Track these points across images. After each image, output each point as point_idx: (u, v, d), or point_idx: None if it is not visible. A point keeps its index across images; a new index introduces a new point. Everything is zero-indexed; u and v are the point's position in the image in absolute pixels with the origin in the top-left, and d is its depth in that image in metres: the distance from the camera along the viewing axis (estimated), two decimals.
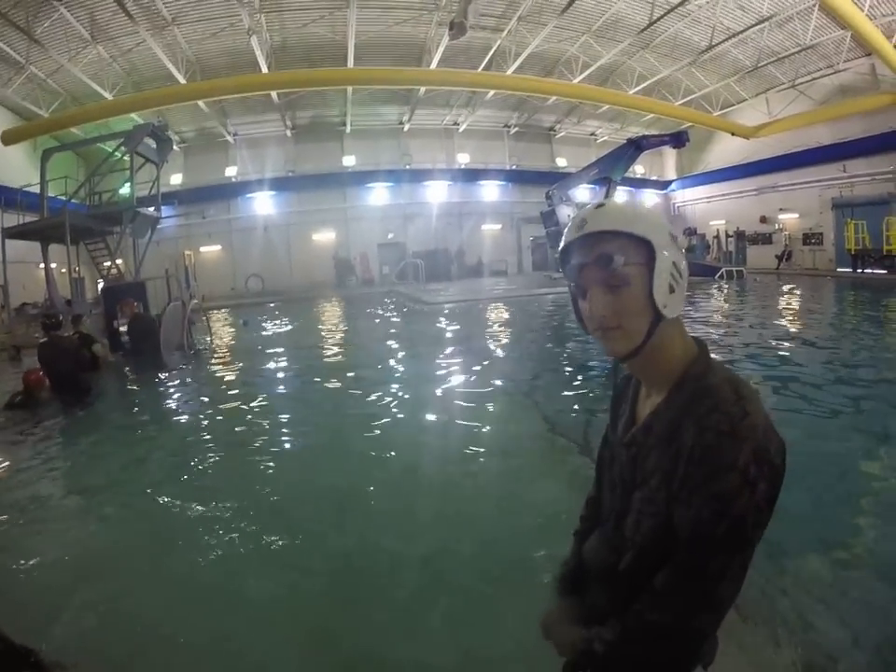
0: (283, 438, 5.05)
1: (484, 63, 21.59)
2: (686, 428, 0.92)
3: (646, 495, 0.99)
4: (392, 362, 8.25)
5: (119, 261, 14.11)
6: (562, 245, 1.03)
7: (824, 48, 21.04)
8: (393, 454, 4.37)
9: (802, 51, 20.89)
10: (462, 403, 5.69)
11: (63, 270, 14.59)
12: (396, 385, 6.66)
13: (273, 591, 2.69)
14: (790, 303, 14.90)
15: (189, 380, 8.06)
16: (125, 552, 3.11)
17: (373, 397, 6.08)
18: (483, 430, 4.85)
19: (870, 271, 20.60)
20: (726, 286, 19.20)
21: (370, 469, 4.05)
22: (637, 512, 1.01)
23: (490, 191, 31.38)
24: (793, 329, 10.26)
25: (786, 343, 8.45)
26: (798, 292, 16.97)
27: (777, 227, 26.94)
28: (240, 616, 2.51)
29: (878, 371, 6.40)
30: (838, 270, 22.65)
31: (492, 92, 24.66)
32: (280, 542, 3.09)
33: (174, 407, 6.72)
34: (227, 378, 7.98)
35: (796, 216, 26.00)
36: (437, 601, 2.56)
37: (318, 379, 7.23)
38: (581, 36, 20.66)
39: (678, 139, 23.68)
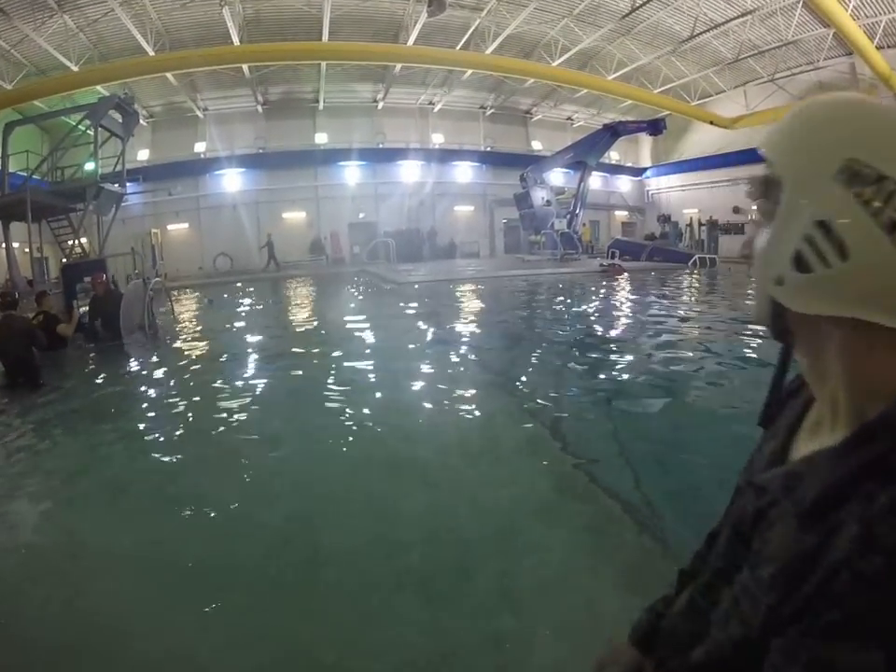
0: (243, 425, 4.72)
1: (462, 42, 21.33)
2: (846, 522, 0.53)
3: (749, 584, 0.63)
4: (357, 342, 8.02)
5: (83, 240, 13.55)
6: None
7: (805, 44, 21.25)
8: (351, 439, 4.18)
9: (783, 46, 21.10)
10: (429, 382, 5.64)
11: (26, 249, 13.95)
12: (358, 365, 6.49)
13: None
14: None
15: (144, 361, 7.78)
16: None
17: (332, 379, 5.87)
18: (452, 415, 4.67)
19: None
20: (698, 273, 19.34)
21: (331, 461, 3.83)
22: (734, 600, 0.66)
23: (464, 172, 31.07)
24: None
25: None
26: None
27: (749, 217, 26.97)
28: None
29: None
30: None
31: (469, 72, 24.28)
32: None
33: (130, 392, 6.30)
34: (184, 359, 7.69)
35: None
36: None
37: (281, 361, 6.96)
38: (562, 20, 20.46)
39: (655, 127, 23.79)
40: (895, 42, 19.86)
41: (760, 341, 7.06)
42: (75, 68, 18.80)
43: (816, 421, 0.69)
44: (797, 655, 0.52)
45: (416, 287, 15.28)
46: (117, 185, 13.56)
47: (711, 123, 25.82)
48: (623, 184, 35.28)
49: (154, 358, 7.86)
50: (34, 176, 13.70)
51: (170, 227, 26.72)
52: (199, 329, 10.62)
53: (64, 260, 13.07)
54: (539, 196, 23.84)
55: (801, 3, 17.63)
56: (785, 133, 0.64)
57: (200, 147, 27.28)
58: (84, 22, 17.69)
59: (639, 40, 22.02)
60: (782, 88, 24.00)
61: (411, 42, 20.15)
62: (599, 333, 8.43)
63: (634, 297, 13.23)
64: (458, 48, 21.37)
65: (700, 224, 29.37)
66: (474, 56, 21.34)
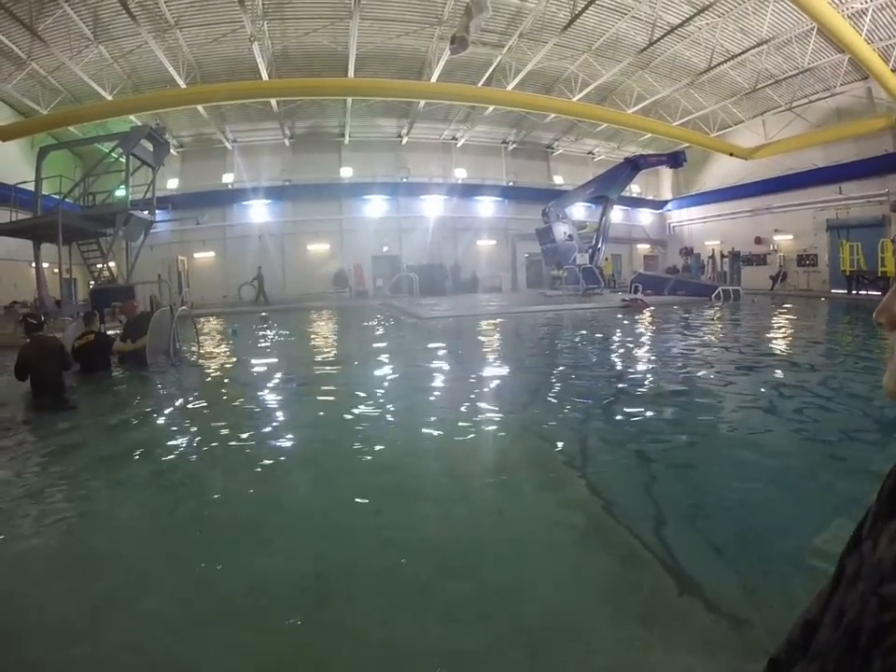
0: (264, 451, 4.62)
1: (484, 78, 21.77)
2: None
3: None
4: (380, 376, 7.89)
5: (111, 264, 13.93)
6: None
7: (821, 71, 21.39)
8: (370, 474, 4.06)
9: (799, 74, 21.24)
10: (450, 420, 5.35)
11: (56, 270, 14.41)
12: (382, 400, 6.35)
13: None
14: (793, 322, 14.82)
15: (169, 389, 7.77)
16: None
17: (356, 412, 5.70)
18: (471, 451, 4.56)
19: (864, 292, 20.74)
20: (721, 305, 19.11)
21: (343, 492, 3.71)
22: None
23: (486, 207, 31.39)
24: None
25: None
26: (797, 312, 16.98)
27: (771, 248, 27.14)
28: None
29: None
30: (832, 291, 22.85)
31: (491, 108, 24.75)
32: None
33: (152, 424, 6.04)
34: (206, 387, 7.65)
35: (791, 237, 26.21)
36: None
37: (303, 392, 6.88)
38: (582, 55, 20.85)
39: (674, 159, 23.93)
40: None
41: (784, 375, 6.96)
42: (109, 97, 19.61)
43: None
44: None
45: (439, 321, 15.26)
46: (146, 212, 13.97)
47: (731, 155, 25.88)
48: (645, 217, 35.36)
49: (178, 387, 7.86)
50: (66, 200, 14.21)
51: (196, 255, 27.36)
52: (222, 357, 10.68)
53: (92, 283, 13.45)
54: (561, 231, 23.90)
55: (815, 30, 17.74)
56: None
57: (228, 178, 28.10)
58: (118, 53, 18.53)
59: (658, 73, 22.33)
60: (800, 116, 24.08)
61: (434, 78, 20.66)
62: (623, 372, 8.14)
63: (657, 333, 13.04)
64: (480, 84, 21.85)
65: (722, 256, 29.29)
66: (496, 92, 21.81)
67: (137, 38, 17.40)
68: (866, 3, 16.61)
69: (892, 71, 18.84)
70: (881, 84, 18.85)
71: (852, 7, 16.72)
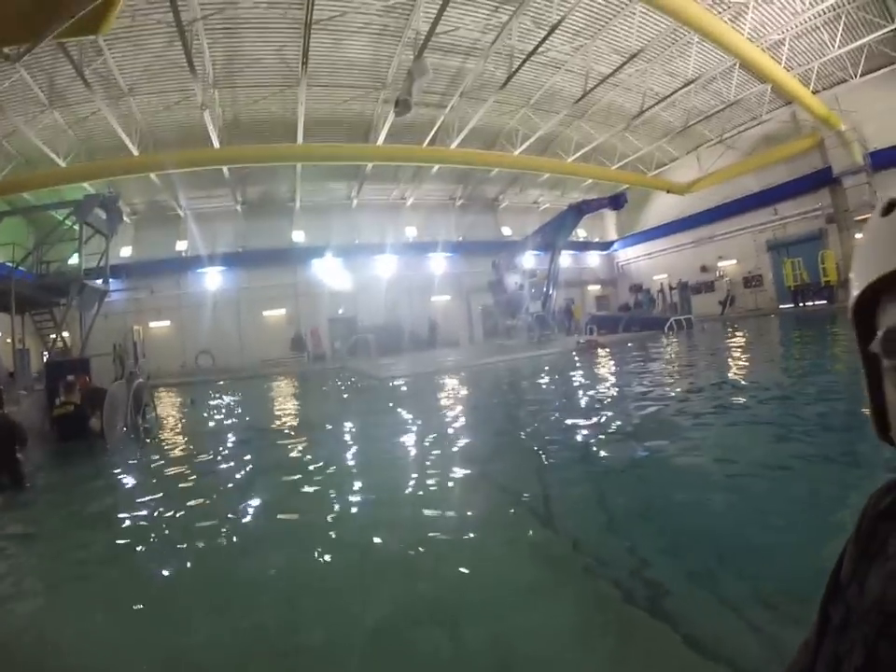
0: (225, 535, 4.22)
1: (429, 137, 22.56)
2: None
3: None
4: (342, 443, 7.58)
5: (65, 334, 13.52)
6: (868, 280, 0.55)
7: (747, 101, 23.21)
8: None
9: (727, 108, 23.10)
10: (417, 485, 5.09)
11: (8, 340, 13.88)
12: (346, 471, 6.06)
13: None
14: (739, 343, 15.45)
15: (127, 465, 7.33)
16: None
17: (316, 482, 5.42)
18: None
19: (811, 303, 22.17)
20: (674, 336, 19.71)
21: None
22: None
23: (439, 263, 31.87)
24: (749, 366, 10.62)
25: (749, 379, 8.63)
26: (743, 333, 17.72)
27: (717, 274, 28.50)
28: None
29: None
30: (780, 307, 24.22)
31: (437, 167, 25.64)
32: None
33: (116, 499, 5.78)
34: (166, 463, 7.12)
35: (735, 261, 27.66)
36: None
37: (264, 465, 6.43)
38: (521, 109, 22.01)
39: (616, 201, 24.86)
40: (830, 83, 21.80)
41: (743, 400, 7.10)
42: (62, 163, 19.54)
43: None
44: None
45: (397, 381, 15.11)
46: (100, 281, 13.70)
47: (668, 192, 27.34)
48: (593, 259, 36.64)
49: (136, 462, 7.46)
50: (19, 268, 13.85)
51: (152, 324, 26.78)
52: (181, 430, 10.24)
53: (46, 354, 13.00)
54: (511, 281, 24.35)
55: (738, 65, 19.30)
56: None
57: (181, 246, 27.94)
58: (73, 119, 18.57)
59: (594, 121, 23.70)
60: (732, 146, 25.92)
61: (380, 141, 21.34)
62: (578, 413, 8.04)
63: (610, 370, 13.22)
64: (425, 143, 22.68)
65: (671, 288, 30.40)
66: (441, 151, 22.70)
67: (91, 105, 17.54)
68: (783, 33, 18.14)
69: (813, 93, 20.54)
70: (804, 107, 20.48)
71: (770, 39, 18.27)
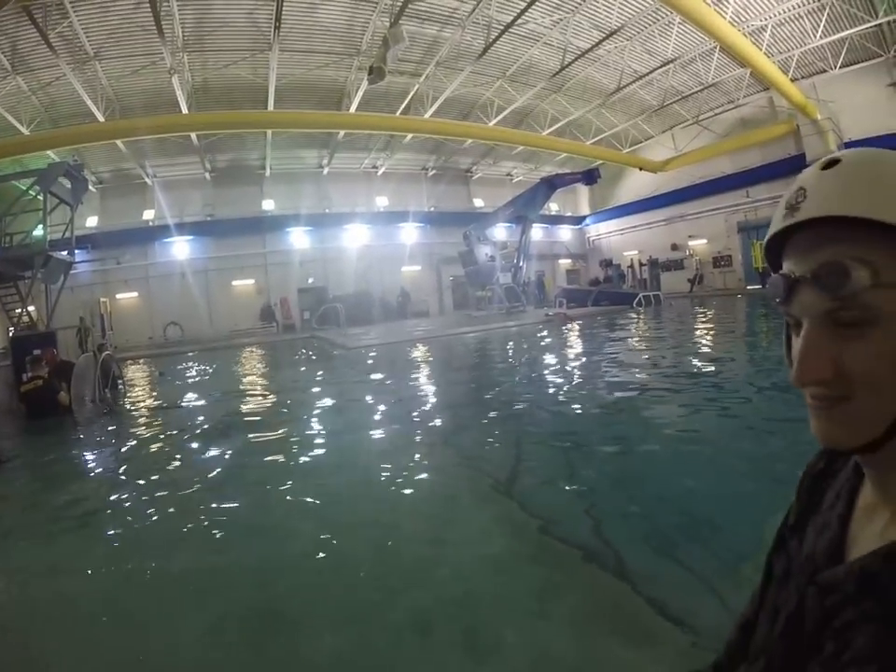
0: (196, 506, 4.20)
1: (403, 107, 22.24)
2: None
3: None
4: (305, 413, 7.50)
5: (30, 308, 13.16)
6: (768, 235, 0.61)
7: (725, 85, 23.38)
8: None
9: (705, 89, 23.19)
10: (381, 450, 5.30)
11: None
12: (312, 434, 6.19)
13: None
14: (703, 320, 15.89)
15: (95, 437, 7.33)
16: None
17: (285, 455, 5.39)
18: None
19: None
20: (643, 311, 20.06)
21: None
22: None
23: (410, 233, 31.62)
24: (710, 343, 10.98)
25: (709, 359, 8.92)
26: (712, 310, 18.22)
27: (687, 253, 28.97)
28: None
29: None
30: (748, 287, 24.84)
31: (410, 136, 25.32)
32: None
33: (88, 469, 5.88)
34: (135, 436, 7.05)
35: (705, 241, 28.15)
36: None
37: (233, 439, 6.30)
38: (497, 81, 21.74)
39: (589, 176, 25.01)
40: (809, 73, 22.14)
41: (703, 375, 7.32)
42: (26, 131, 18.71)
43: (872, 506, 0.63)
44: None
45: (366, 350, 15.15)
46: (65, 252, 13.32)
47: (641, 169, 27.51)
48: (565, 233, 36.82)
49: (105, 435, 7.42)
50: None
51: (119, 296, 26.15)
52: (149, 403, 10.12)
53: (12, 330, 12.66)
54: (482, 252, 24.36)
55: (718, 48, 19.39)
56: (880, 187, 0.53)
57: (148, 215, 27.10)
58: (37, 85, 17.72)
59: (570, 95, 23.59)
60: (707, 128, 26.17)
61: (353, 109, 20.92)
62: (545, 383, 8.26)
63: (577, 343, 13.42)
64: (399, 112, 22.35)
65: (641, 264, 30.84)
66: (414, 120, 22.32)
67: (56, 70, 16.73)
68: (766, 20, 18.25)
69: (792, 80, 20.76)
70: (782, 93, 20.71)
71: (752, 25, 18.37)
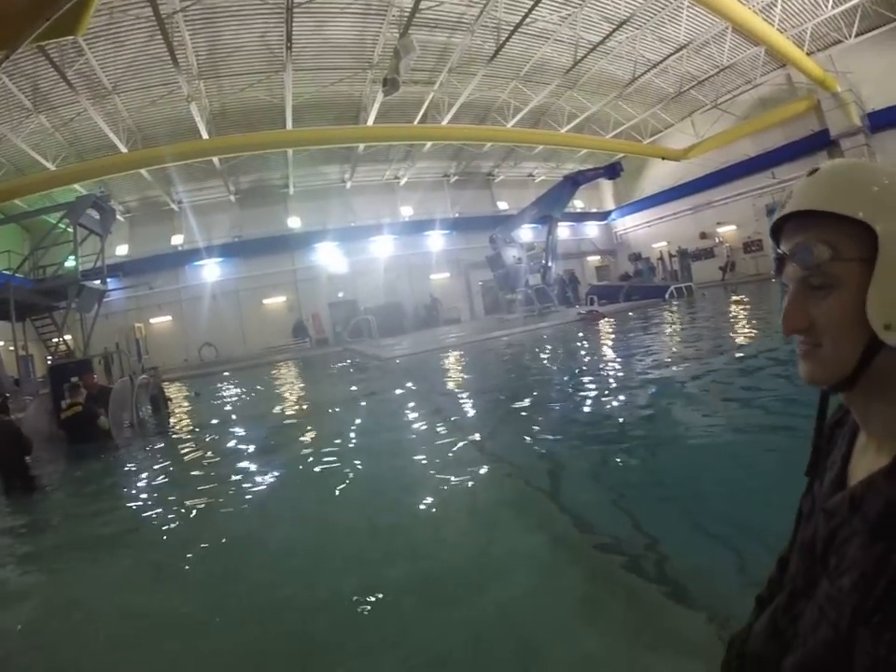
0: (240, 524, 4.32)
1: (420, 115, 22.23)
2: None
3: (832, 593, 0.70)
4: (349, 424, 7.47)
5: (67, 337, 13.63)
6: (769, 225, 0.80)
7: (741, 65, 22.78)
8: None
9: (720, 72, 22.62)
10: (425, 466, 5.13)
11: (11, 348, 13.98)
12: (354, 452, 6.02)
13: None
14: (739, 309, 15.43)
15: (136, 459, 7.52)
16: None
17: (327, 469, 5.43)
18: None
19: None
20: (676, 303, 19.65)
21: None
22: (819, 610, 0.73)
23: (436, 241, 31.66)
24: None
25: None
26: (747, 298, 17.67)
27: (717, 240, 28.29)
28: None
29: None
30: None
31: (429, 144, 25.34)
32: None
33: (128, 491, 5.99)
34: (177, 457, 7.28)
35: (734, 227, 27.42)
36: None
37: (273, 455, 6.45)
38: (511, 82, 21.62)
39: (612, 170, 24.75)
40: (824, 45, 21.44)
41: (740, 368, 7.16)
42: (52, 167, 19.38)
43: (863, 447, 0.78)
44: (882, 636, 0.61)
45: (399, 361, 15.01)
46: (98, 281, 13.76)
47: (663, 158, 27.01)
48: (591, 229, 36.37)
49: (145, 460, 7.50)
50: (16, 275, 13.89)
51: (153, 320, 26.87)
52: (188, 423, 10.33)
53: (49, 359, 13.09)
54: (509, 255, 24.17)
55: (730, 28, 18.91)
56: (865, 190, 0.70)
57: (177, 240, 27.85)
58: (59, 122, 18.31)
59: (586, 90, 23.26)
60: (726, 111, 25.48)
61: (370, 121, 21.03)
62: (581, 385, 7.99)
63: (612, 341, 13.19)
64: (416, 121, 22.35)
65: (671, 255, 30.25)
66: (432, 128, 22.38)
67: (76, 106, 17.31)
68: None
69: (808, 54, 20.15)
70: (799, 69, 20.16)
71: (762, 1, 17.84)
